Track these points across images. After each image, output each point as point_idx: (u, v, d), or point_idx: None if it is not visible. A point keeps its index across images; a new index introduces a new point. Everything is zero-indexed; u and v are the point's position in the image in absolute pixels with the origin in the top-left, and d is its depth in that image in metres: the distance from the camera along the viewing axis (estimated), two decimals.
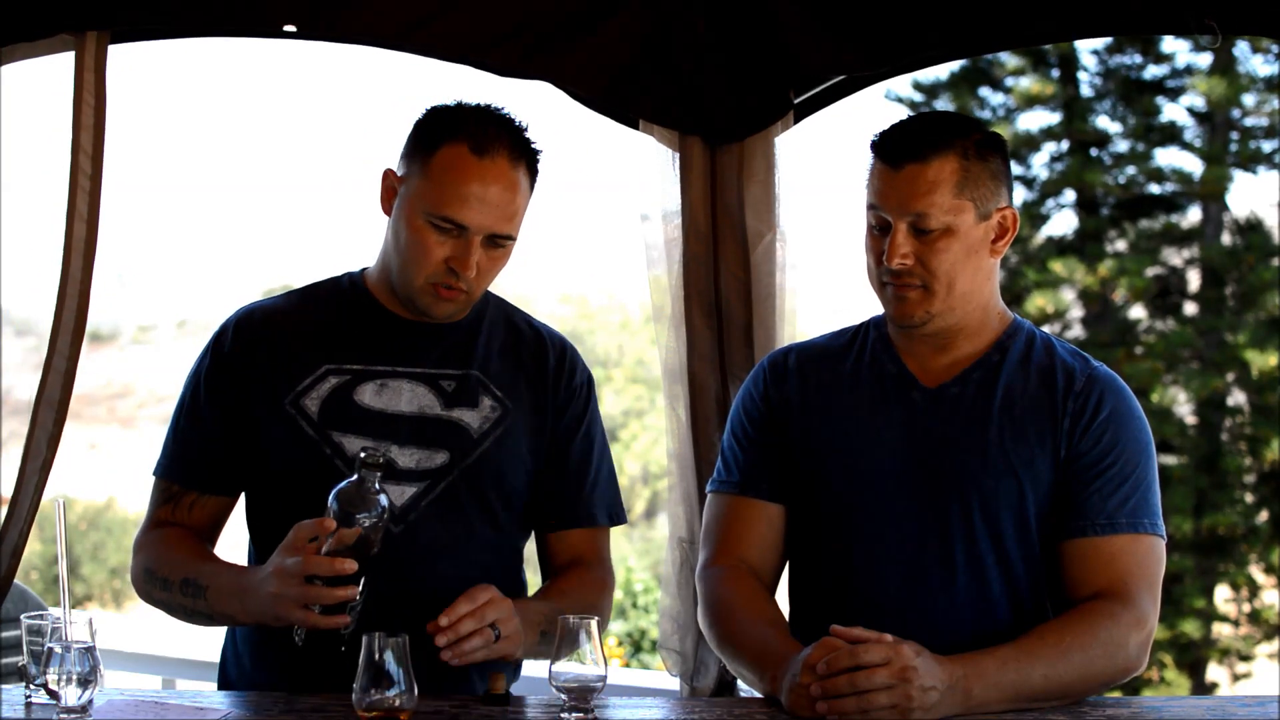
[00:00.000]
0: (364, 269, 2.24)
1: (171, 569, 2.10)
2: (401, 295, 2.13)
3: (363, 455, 1.90)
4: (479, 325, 2.21)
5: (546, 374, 2.23)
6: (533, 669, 2.39)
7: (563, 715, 1.86)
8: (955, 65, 13.03)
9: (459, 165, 2.04)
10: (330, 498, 1.91)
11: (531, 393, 2.21)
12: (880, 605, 2.06)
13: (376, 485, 1.90)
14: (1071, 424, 2.08)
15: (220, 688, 2.27)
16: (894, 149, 2.06)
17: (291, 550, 1.91)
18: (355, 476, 1.91)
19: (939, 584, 2.07)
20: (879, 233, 2.08)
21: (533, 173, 2.11)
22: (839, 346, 2.23)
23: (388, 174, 2.13)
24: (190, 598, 2.07)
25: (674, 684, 2.87)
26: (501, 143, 2.06)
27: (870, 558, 2.10)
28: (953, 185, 2.03)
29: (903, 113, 12.26)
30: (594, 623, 1.86)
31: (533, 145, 2.10)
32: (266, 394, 2.13)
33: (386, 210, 2.13)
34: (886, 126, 2.10)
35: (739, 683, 2.67)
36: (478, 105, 2.10)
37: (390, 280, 2.15)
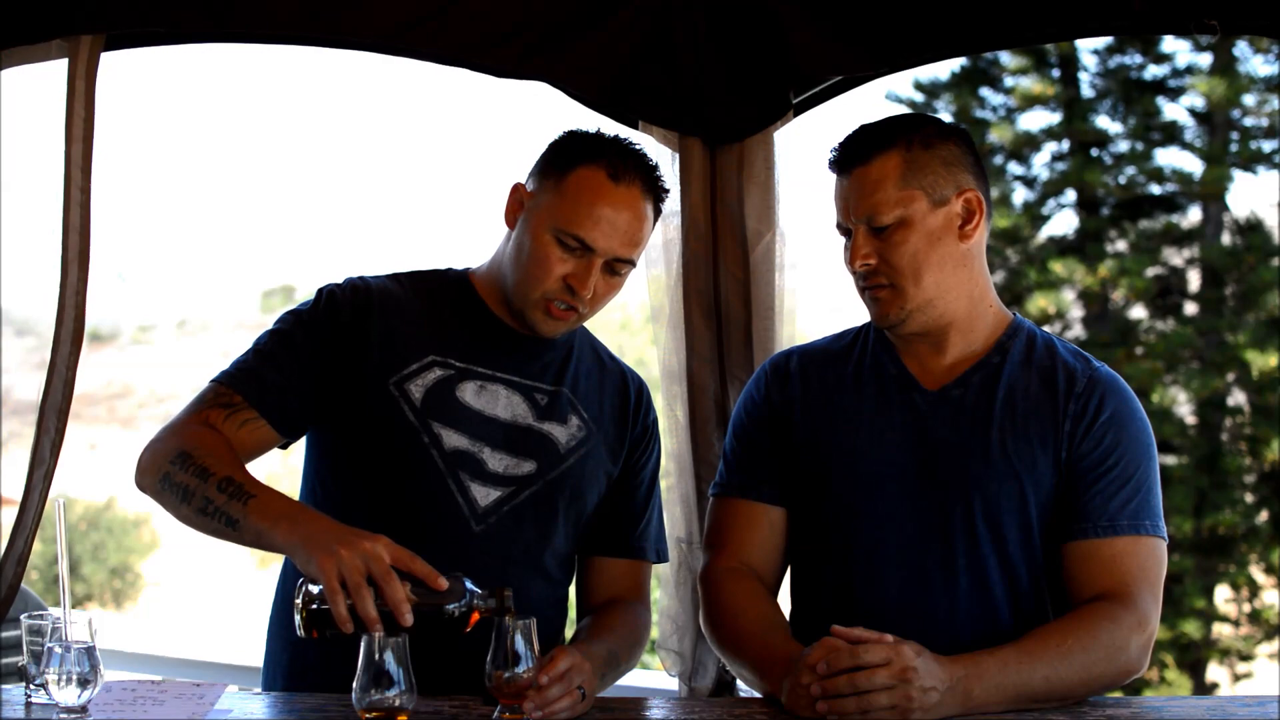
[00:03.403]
0: (467, 269, 2.27)
1: (216, 463, 1.99)
2: (514, 307, 2.17)
3: (508, 594, 1.88)
4: (571, 348, 2.27)
5: (628, 408, 2.30)
6: None
7: (495, 716, 1.87)
8: (956, 65, 13.02)
9: (594, 187, 2.10)
10: (454, 574, 1.89)
11: (612, 423, 2.28)
12: (882, 607, 2.07)
13: (483, 606, 1.88)
14: (1073, 425, 2.08)
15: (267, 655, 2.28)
16: (842, 159, 2.12)
17: (394, 557, 1.85)
18: (486, 591, 1.89)
19: (941, 586, 2.07)
20: (849, 244, 2.12)
21: (657, 210, 2.17)
22: (840, 349, 2.24)
23: (517, 188, 2.18)
24: (227, 496, 1.95)
25: (673, 684, 2.88)
26: (636, 173, 2.12)
27: (872, 560, 2.10)
28: (897, 178, 2.06)
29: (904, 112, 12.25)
30: (531, 624, 1.86)
31: (662, 183, 2.17)
32: (372, 368, 2.14)
33: (510, 223, 2.19)
34: (838, 140, 2.15)
35: (738, 683, 2.68)
36: (615, 136, 2.18)
37: (502, 289, 2.19)
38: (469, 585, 1.90)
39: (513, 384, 2.20)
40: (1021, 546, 2.08)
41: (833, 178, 2.14)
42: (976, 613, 2.07)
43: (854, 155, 2.10)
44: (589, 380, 2.28)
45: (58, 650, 1.85)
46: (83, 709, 1.85)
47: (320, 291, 2.21)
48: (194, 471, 1.99)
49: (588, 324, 2.32)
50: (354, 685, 1.77)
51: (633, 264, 2.15)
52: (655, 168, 2.17)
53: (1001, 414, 2.09)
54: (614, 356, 2.37)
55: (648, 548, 2.32)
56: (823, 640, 1.91)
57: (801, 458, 2.18)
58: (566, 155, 2.15)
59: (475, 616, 1.89)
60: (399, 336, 2.17)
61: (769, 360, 2.31)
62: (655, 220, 2.18)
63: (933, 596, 2.07)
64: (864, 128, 2.13)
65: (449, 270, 2.29)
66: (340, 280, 2.23)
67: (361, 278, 2.24)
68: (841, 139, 2.14)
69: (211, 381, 2.15)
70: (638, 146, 2.17)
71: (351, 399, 2.14)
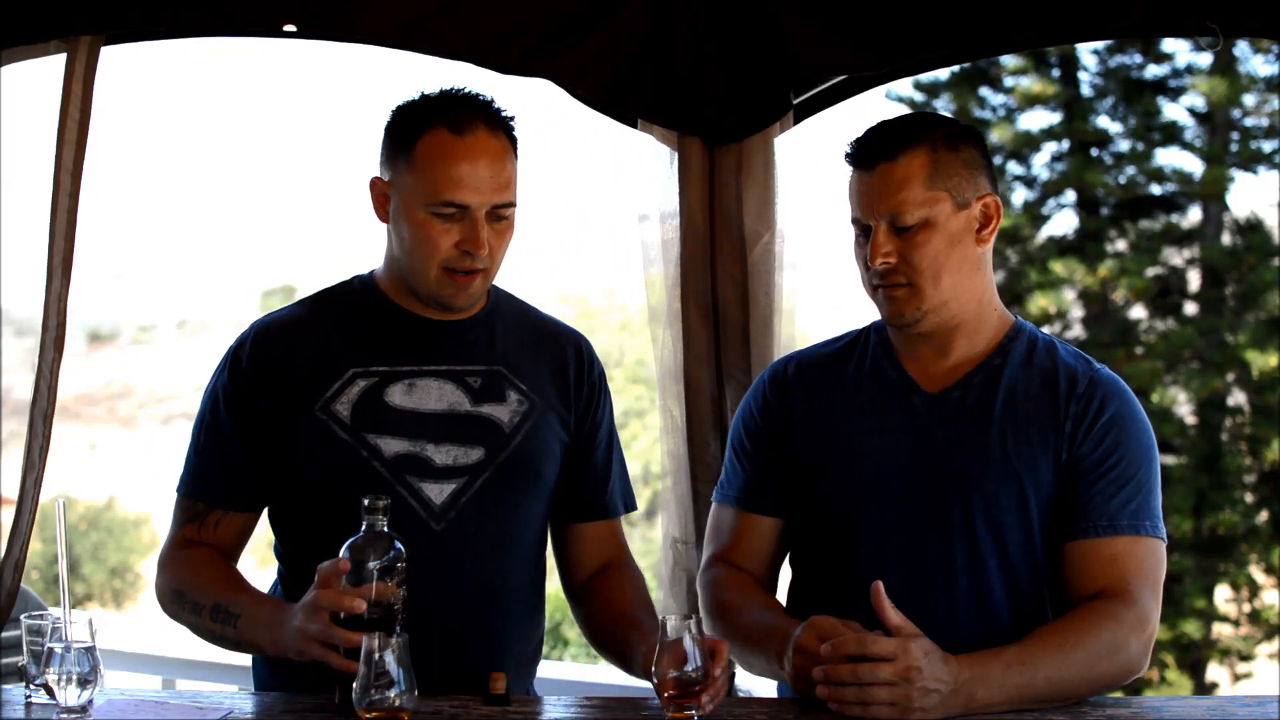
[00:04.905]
0: (372, 271, 2.24)
1: (202, 593, 2.10)
2: (422, 293, 2.14)
3: (365, 502, 1.88)
4: (496, 320, 2.23)
5: (568, 369, 2.26)
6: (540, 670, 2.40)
7: (669, 716, 1.85)
8: (955, 65, 13.03)
9: (443, 149, 2.06)
10: (342, 549, 1.89)
11: (555, 387, 2.24)
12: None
13: (384, 529, 1.88)
14: (1074, 427, 2.07)
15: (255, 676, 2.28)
16: (863, 153, 2.09)
17: (321, 583, 1.89)
18: (364, 526, 1.89)
19: (941, 588, 2.07)
20: (864, 240, 2.10)
21: (513, 138, 2.13)
22: (839, 352, 2.24)
23: (374, 182, 2.15)
24: (220, 624, 2.07)
25: None
26: (475, 117, 2.08)
27: (872, 563, 2.10)
28: (924, 178, 2.04)
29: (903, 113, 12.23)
30: (695, 623, 1.85)
31: (504, 114, 2.12)
32: (294, 403, 2.13)
33: (382, 217, 2.15)
34: (858, 134, 2.12)
35: (734, 683, 2.68)
36: (441, 91, 2.13)
37: (403, 281, 2.16)
38: (355, 537, 1.88)
39: (441, 374, 2.17)
40: (1022, 548, 2.07)
41: (842, 174, 2.12)
42: (976, 614, 2.07)
43: (878, 151, 2.07)
44: (521, 351, 2.23)
45: (58, 650, 1.84)
46: (83, 709, 1.85)
47: (225, 355, 2.20)
48: (189, 609, 2.12)
49: (523, 293, 2.30)
50: (354, 685, 1.77)
51: (513, 205, 2.11)
52: (490, 103, 2.11)
53: (1002, 415, 2.09)
54: (548, 319, 2.31)
55: (617, 504, 2.31)
56: (812, 620, 1.93)
57: (801, 463, 2.18)
58: (405, 130, 2.11)
59: (397, 547, 1.87)
60: (315, 362, 2.15)
61: (768, 369, 2.31)
62: (516, 149, 2.13)
63: (933, 598, 2.07)
64: (886, 124, 2.11)
65: (353, 279, 2.25)
66: (247, 327, 2.22)
67: (266, 318, 2.23)
68: (862, 133, 2.11)
69: (176, 494, 2.22)
70: (466, 90, 2.13)
71: (288, 441, 2.13)
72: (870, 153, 2.08)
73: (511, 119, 2.13)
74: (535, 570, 2.23)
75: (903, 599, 2.07)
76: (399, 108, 2.14)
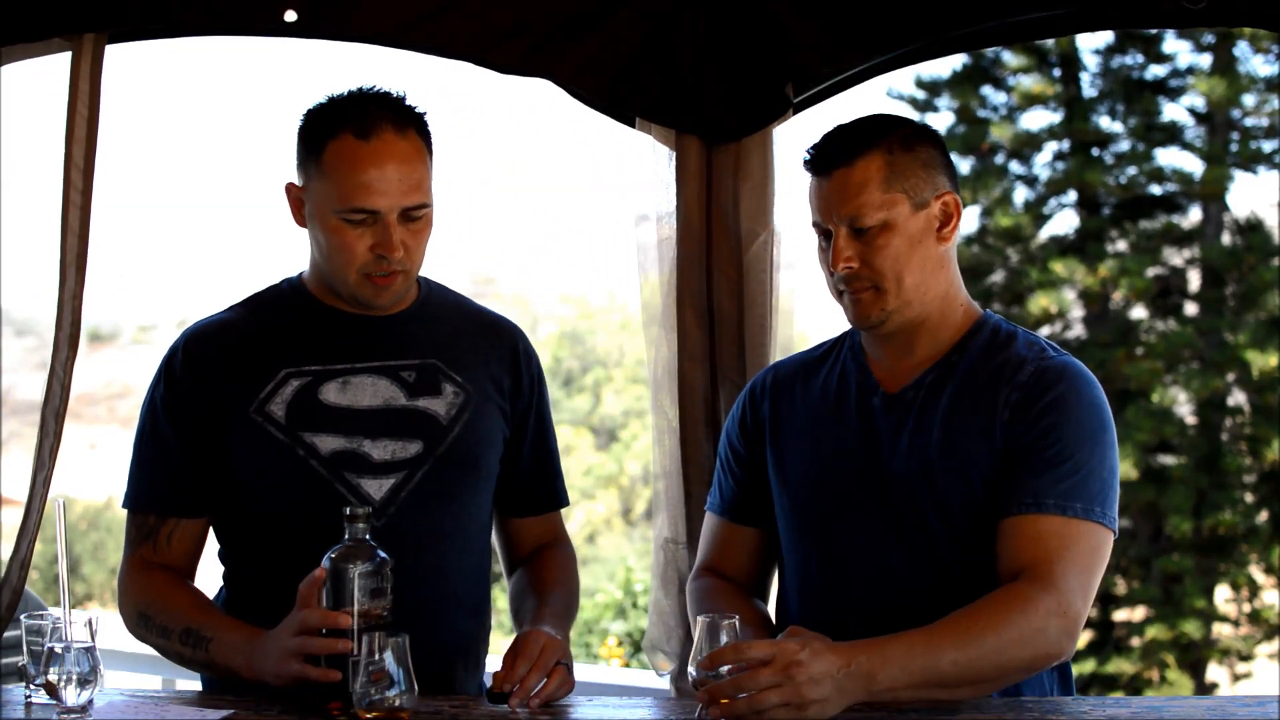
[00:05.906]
0: (300, 273, 2.24)
1: (170, 617, 2.08)
2: (344, 294, 2.14)
3: (346, 511, 1.87)
4: (428, 313, 2.23)
5: (504, 361, 2.26)
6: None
7: (701, 714, 1.83)
8: (957, 63, 13.06)
9: (349, 155, 2.04)
10: (324, 559, 1.87)
11: (492, 378, 2.23)
12: (849, 615, 2.06)
13: (366, 538, 1.87)
14: (1011, 415, 2.04)
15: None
16: (821, 159, 2.10)
17: (302, 603, 1.88)
18: (345, 535, 1.87)
19: (907, 588, 2.06)
20: (826, 245, 2.11)
21: (424, 134, 2.10)
22: (815, 359, 2.25)
23: (289, 188, 2.15)
24: (191, 647, 2.05)
25: (663, 684, 2.88)
26: (382, 119, 2.05)
27: (840, 567, 2.11)
28: (880, 181, 2.05)
29: (905, 110, 12.24)
30: (736, 622, 1.86)
31: (415, 110, 2.10)
32: (229, 407, 2.12)
33: (300, 222, 2.15)
34: (815, 140, 2.13)
35: None
36: (350, 92, 2.10)
37: (327, 283, 2.16)
38: (337, 546, 1.87)
39: (375, 370, 2.16)
40: (981, 542, 2.03)
41: (806, 179, 2.13)
42: (945, 612, 1.99)
43: (835, 156, 2.08)
44: (457, 342, 2.22)
45: (58, 650, 1.84)
46: (83, 709, 1.85)
47: (159, 366, 2.20)
48: (157, 632, 2.10)
49: (524, 294, 2.31)
50: (354, 685, 1.77)
51: (426, 205, 2.09)
52: (401, 101, 2.08)
53: (949, 411, 2.07)
54: (484, 310, 2.31)
55: (560, 495, 2.34)
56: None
57: (774, 472, 2.19)
58: (314, 137, 2.09)
59: (381, 555, 1.86)
60: (247, 364, 2.14)
61: (751, 380, 2.32)
62: (428, 145, 2.10)
63: (900, 599, 2.05)
64: (841, 129, 2.12)
65: (283, 282, 2.25)
66: (179, 334, 2.22)
67: (196, 325, 2.22)
68: (819, 139, 2.13)
69: (125, 511, 2.20)
70: (375, 89, 2.10)
71: (226, 444, 2.13)
72: (827, 158, 2.09)
73: (423, 115, 2.11)
74: (481, 561, 2.23)
75: (873, 604, 2.07)
76: (308, 112, 2.12)
